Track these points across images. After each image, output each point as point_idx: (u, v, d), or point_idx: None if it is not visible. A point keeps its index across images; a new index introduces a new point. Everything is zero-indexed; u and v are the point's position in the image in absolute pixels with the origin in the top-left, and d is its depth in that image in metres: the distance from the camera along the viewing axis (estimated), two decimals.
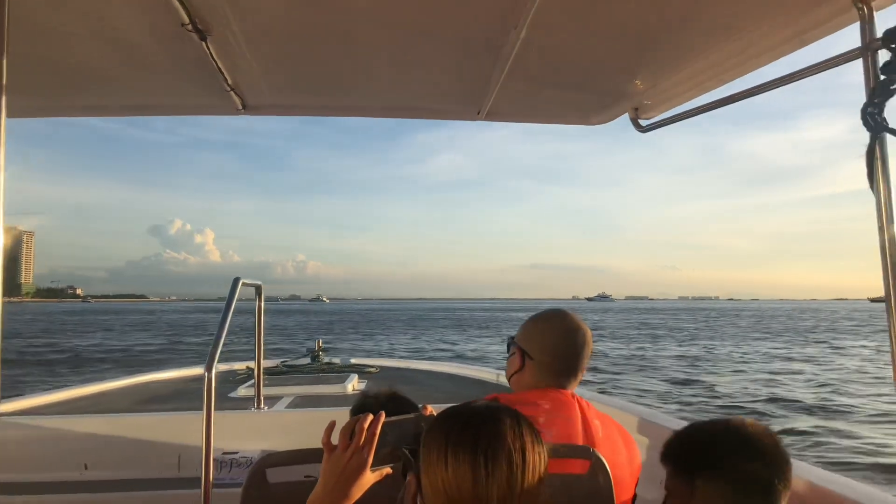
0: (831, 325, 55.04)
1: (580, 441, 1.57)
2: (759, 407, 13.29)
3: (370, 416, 1.18)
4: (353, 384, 4.20)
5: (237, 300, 2.65)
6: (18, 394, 3.90)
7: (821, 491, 1.74)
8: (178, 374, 4.87)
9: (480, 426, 1.03)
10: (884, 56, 1.36)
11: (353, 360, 5.46)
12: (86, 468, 2.97)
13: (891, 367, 1.41)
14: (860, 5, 1.44)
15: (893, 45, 1.32)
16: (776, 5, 1.62)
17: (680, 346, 31.03)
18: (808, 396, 14.72)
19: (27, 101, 2.47)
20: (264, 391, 3.46)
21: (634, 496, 1.67)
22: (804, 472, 1.79)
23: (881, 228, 1.39)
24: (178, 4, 1.65)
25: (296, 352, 6.92)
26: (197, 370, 4.89)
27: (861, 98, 1.40)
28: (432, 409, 1.26)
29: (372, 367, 5.13)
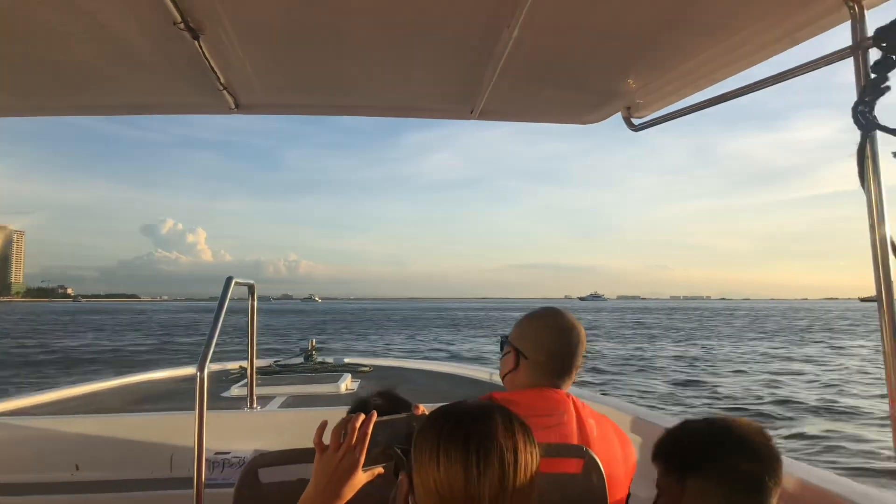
0: (826, 324, 55.02)
1: (575, 440, 1.58)
2: (767, 409, 13.11)
3: (361, 416, 1.17)
4: (347, 384, 4.20)
5: (230, 299, 2.64)
6: (7, 395, 3.88)
7: (812, 488, 1.75)
8: (170, 374, 4.85)
9: (472, 425, 1.02)
10: (875, 54, 1.37)
11: (346, 360, 5.46)
12: (77, 469, 2.95)
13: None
14: (851, 4, 1.45)
15: (884, 44, 1.33)
16: (767, 4, 1.62)
17: (678, 346, 30.91)
18: (814, 398, 14.53)
19: (17, 100, 2.45)
20: (257, 391, 3.45)
21: (629, 494, 1.67)
22: (795, 469, 1.80)
23: (872, 226, 1.39)
24: (170, 3, 1.64)
25: (288, 352, 6.90)
26: (189, 370, 4.88)
27: (851, 97, 1.41)
28: (424, 409, 1.26)
29: (365, 366, 5.13)
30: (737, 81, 1.97)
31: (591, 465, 1.47)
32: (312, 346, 5.47)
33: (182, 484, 2.69)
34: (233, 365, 5.03)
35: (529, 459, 1.03)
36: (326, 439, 1.19)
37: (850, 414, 12.42)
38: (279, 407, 3.51)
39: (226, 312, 2.53)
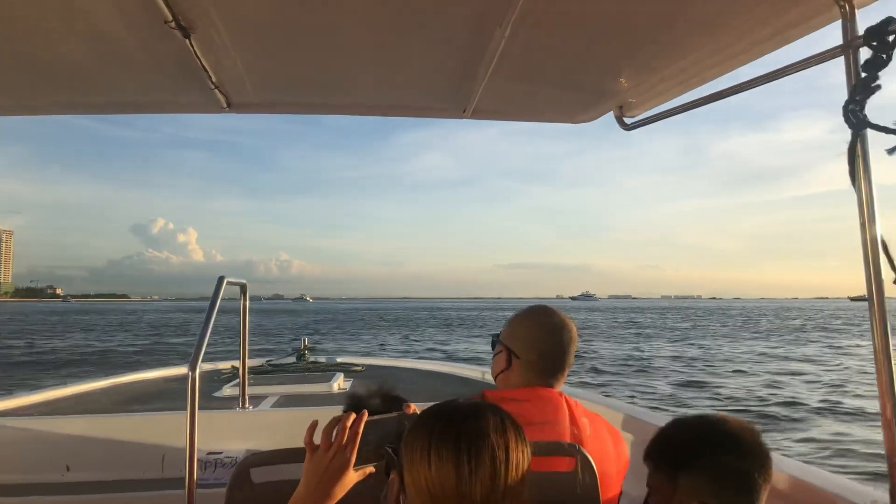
0: (820, 323, 54.89)
1: (568, 439, 1.58)
2: (773, 410, 12.89)
3: (352, 415, 1.17)
4: (339, 383, 4.19)
5: (221, 299, 2.63)
6: None
7: (802, 484, 1.76)
8: (161, 374, 4.83)
9: (463, 424, 1.02)
10: (865, 53, 1.38)
11: (338, 359, 5.45)
12: (68, 469, 2.93)
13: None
14: (842, 3, 1.46)
15: (875, 43, 1.34)
16: (759, 3, 1.63)
17: (675, 345, 30.77)
18: (819, 398, 14.32)
19: (4, 99, 2.43)
20: (249, 390, 3.44)
21: (620, 493, 1.68)
22: (785, 465, 1.81)
23: (863, 225, 1.40)
24: (160, 1, 1.63)
25: (280, 352, 6.88)
26: (181, 370, 4.85)
27: (840, 98, 1.42)
28: (415, 408, 1.26)
29: (357, 365, 5.12)
30: (728, 80, 1.98)
31: (584, 464, 1.48)
32: (305, 346, 5.46)
33: (174, 484, 2.68)
34: (224, 365, 5.01)
35: (521, 458, 1.03)
36: (317, 439, 1.18)
37: (855, 415, 12.28)
38: (271, 407, 3.50)
39: (217, 312, 2.52)
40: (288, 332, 44.83)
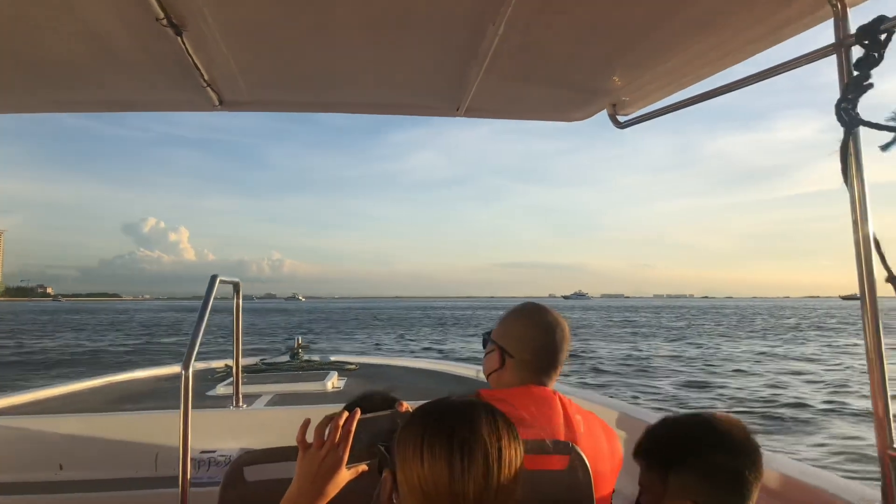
0: (815, 322, 54.81)
1: (562, 437, 1.58)
2: (781, 412, 12.67)
3: (345, 414, 1.17)
4: (333, 381, 4.19)
5: (214, 298, 2.62)
6: None
7: (793, 482, 1.77)
8: (154, 373, 4.81)
9: (456, 421, 1.02)
10: (857, 52, 1.38)
11: (332, 358, 5.44)
12: (61, 468, 2.92)
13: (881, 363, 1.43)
14: (834, 2, 1.46)
15: (867, 42, 1.34)
16: (752, 2, 1.64)
17: (673, 345, 30.61)
18: (825, 399, 14.15)
19: None
20: (243, 389, 3.43)
21: (613, 490, 1.68)
22: (776, 463, 1.82)
23: (855, 223, 1.41)
24: None
25: (274, 352, 6.86)
26: (174, 368, 4.84)
27: (832, 97, 1.43)
28: (408, 406, 1.26)
29: (351, 364, 5.12)
30: (721, 79, 1.99)
31: (578, 462, 1.48)
32: (299, 345, 5.45)
33: (167, 483, 2.68)
34: (218, 363, 5.00)
35: (514, 455, 1.03)
36: (310, 437, 1.18)
37: (860, 416, 12.13)
38: (265, 405, 3.50)
39: (210, 311, 2.51)
40: (282, 331, 44.65)
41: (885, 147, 1.32)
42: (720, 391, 15.68)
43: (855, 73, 1.38)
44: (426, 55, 2.09)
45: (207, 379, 4.32)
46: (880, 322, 1.40)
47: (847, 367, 20.44)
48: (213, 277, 2.69)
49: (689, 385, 16.71)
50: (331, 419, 1.17)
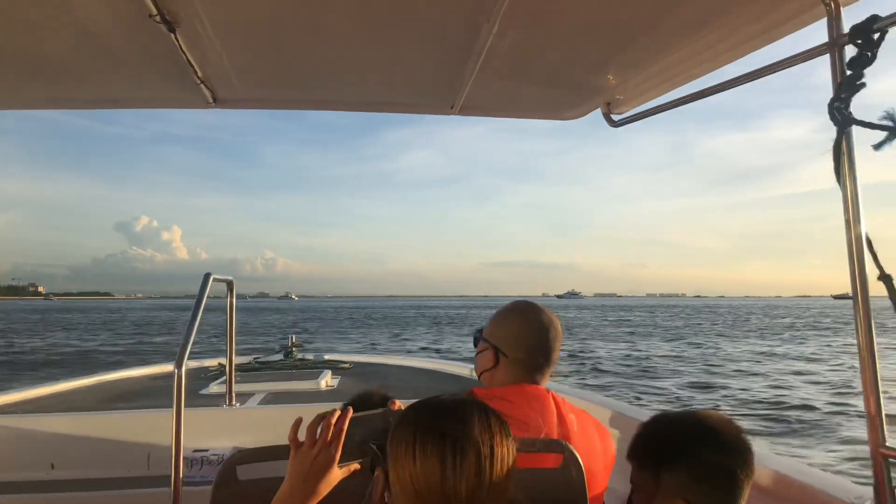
0: (810, 322, 54.67)
1: (555, 436, 1.58)
2: (789, 414, 12.48)
3: (337, 412, 1.17)
4: (327, 380, 4.18)
5: (207, 296, 2.61)
6: None
7: (785, 480, 1.77)
8: (147, 372, 4.79)
9: (448, 419, 1.02)
10: (850, 51, 1.39)
11: (326, 357, 5.43)
12: (52, 468, 2.91)
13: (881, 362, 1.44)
14: (827, 1, 1.47)
15: (860, 41, 1.35)
16: (745, 2, 1.64)
17: (672, 344, 30.44)
18: (828, 400, 14.00)
19: None
20: (236, 388, 3.42)
21: (606, 489, 1.68)
22: (768, 461, 1.83)
23: (848, 222, 1.41)
24: None
25: (268, 351, 6.84)
26: (167, 367, 4.82)
27: (825, 97, 1.43)
28: (400, 404, 1.26)
29: (345, 362, 5.11)
30: (715, 78, 1.99)
31: (571, 460, 1.48)
32: (292, 343, 5.44)
33: (160, 482, 2.67)
34: (211, 362, 4.98)
35: (506, 454, 1.03)
36: (302, 436, 1.18)
37: (864, 417, 11.95)
38: (258, 404, 3.49)
39: (203, 310, 2.50)
40: (275, 330, 44.48)
41: (877, 146, 1.32)
42: (724, 392, 15.54)
43: (848, 72, 1.38)
44: (420, 53, 2.09)
45: (200, 377, 4.31)
46: (872, 321, 1.41)
47: (850, 367, 20.23)
48: (207, 276, 2.68)
49: (693, 386, 16.60)
50: (323, 418, 1.17)
